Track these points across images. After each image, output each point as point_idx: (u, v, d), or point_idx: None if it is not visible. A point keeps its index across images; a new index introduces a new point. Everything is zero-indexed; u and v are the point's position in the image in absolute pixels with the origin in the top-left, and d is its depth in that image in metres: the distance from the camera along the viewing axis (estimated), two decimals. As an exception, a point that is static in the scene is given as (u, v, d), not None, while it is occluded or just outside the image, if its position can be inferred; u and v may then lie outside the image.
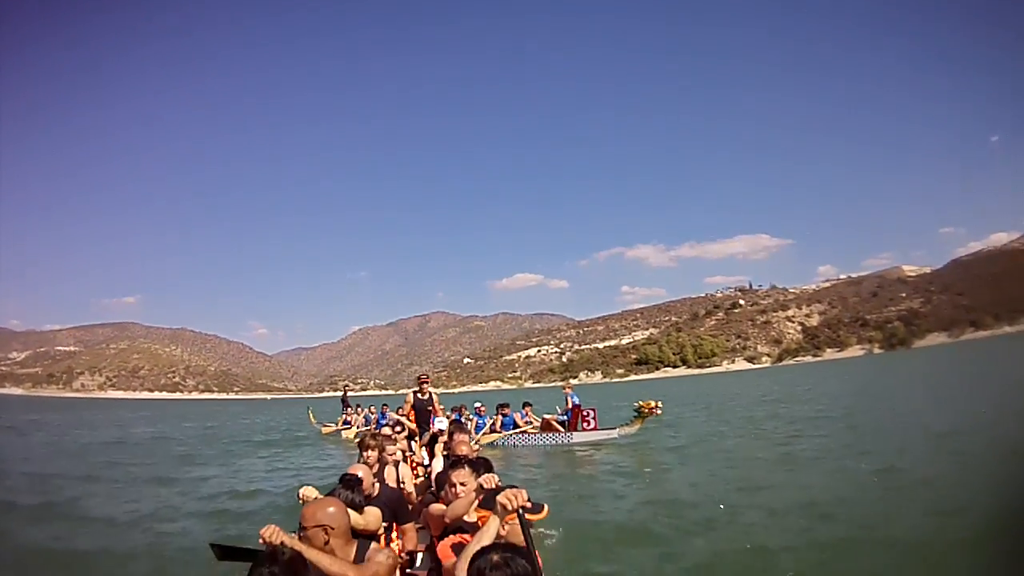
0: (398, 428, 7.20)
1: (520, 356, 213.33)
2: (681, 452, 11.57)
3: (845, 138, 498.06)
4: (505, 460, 11.99)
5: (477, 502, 2.91)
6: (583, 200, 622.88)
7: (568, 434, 13.91)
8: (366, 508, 3.23)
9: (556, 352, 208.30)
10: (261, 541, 2.24)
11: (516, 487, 2.21)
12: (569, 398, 14.32)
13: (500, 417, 14.17)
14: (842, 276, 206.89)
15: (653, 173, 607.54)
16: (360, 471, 3.60)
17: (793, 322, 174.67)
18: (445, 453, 4.84)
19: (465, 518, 2.93)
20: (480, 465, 3.33)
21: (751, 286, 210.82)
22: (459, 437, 4.56)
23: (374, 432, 4.96)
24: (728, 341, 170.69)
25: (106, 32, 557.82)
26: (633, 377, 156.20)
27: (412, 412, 8.31)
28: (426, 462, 7.30)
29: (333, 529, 2.42)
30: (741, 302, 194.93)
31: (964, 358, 47.06)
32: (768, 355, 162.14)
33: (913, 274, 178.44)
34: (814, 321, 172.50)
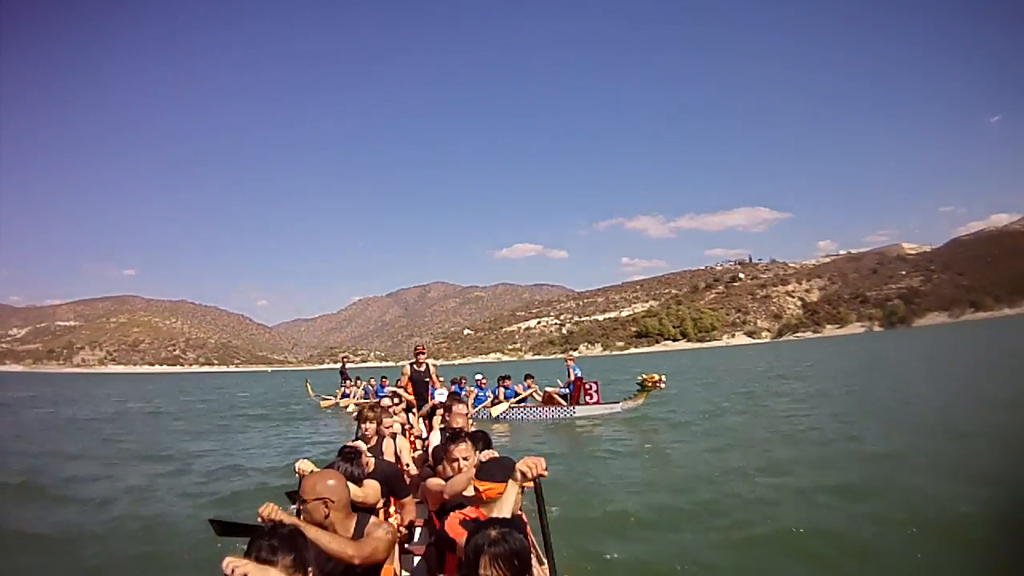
0: (396, 400, 7.08)
1: (520, 327, 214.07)
2: (685, 428, 11.53)
3: (846, 112, 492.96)
4: (507, 434, 11.97)
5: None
6: (583, 170, 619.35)
7: (571, 407, 13.87)
8: (365, 481, 3.17)
9: (556, 324, 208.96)
10: (260, 520, 2.23)
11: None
12: (571, 370, 14.26)
13: (503, 389, 14.12)
14: (842, 252, 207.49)
15: (653, 142, 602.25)
16: (359, 446, 3.54)
17: (793, 297, 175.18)
18: (442, 426, 4.72)
19: (464, 492, 2.88)
20: (479, 439, 3.23)
21: (751, 259, 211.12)
22: (457, 409, 4.46)
23: (372, 404, 4.88)
24: (728, 315, 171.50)
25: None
26: (633, 350, 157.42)
27: (409, 384, 8.20)
28: (424, 435, 7.20)
29: (333, 502, 2.39)
30: (741, 275, 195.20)
31: (965, 338, 47.03)
32: (768, 330, 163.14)
33: (913, 252, 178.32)
34: (814, 296, 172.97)
